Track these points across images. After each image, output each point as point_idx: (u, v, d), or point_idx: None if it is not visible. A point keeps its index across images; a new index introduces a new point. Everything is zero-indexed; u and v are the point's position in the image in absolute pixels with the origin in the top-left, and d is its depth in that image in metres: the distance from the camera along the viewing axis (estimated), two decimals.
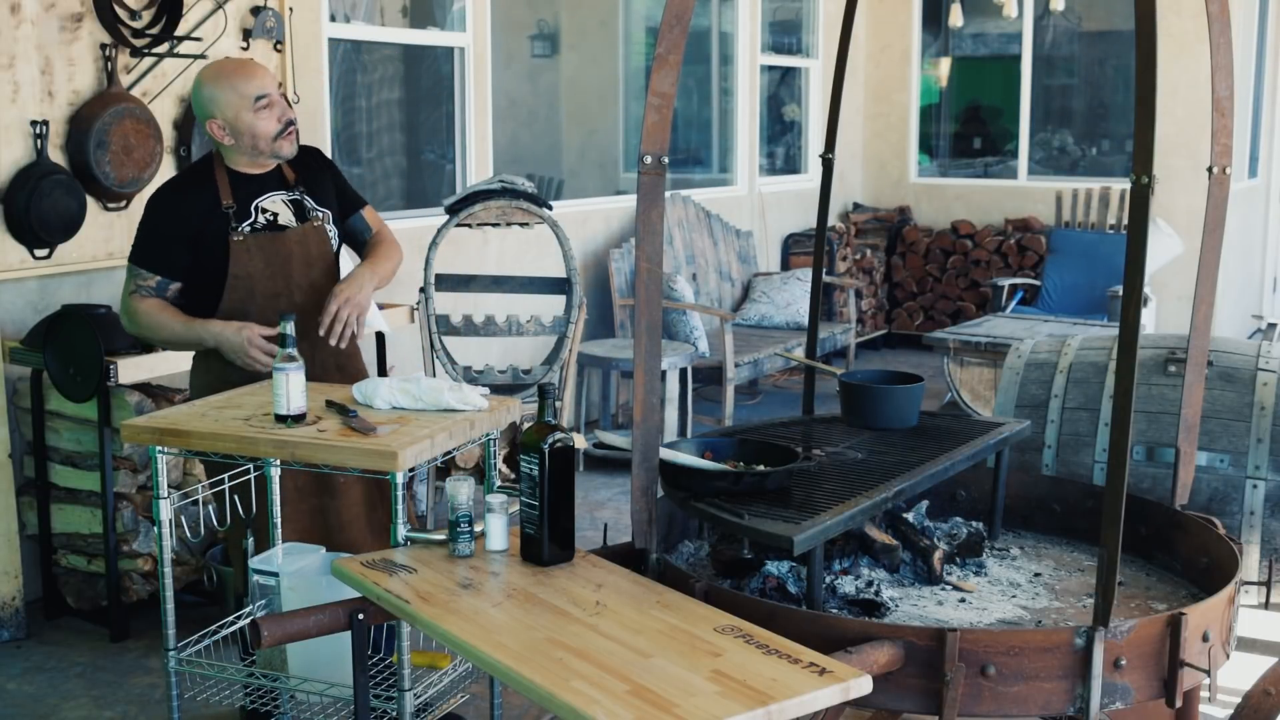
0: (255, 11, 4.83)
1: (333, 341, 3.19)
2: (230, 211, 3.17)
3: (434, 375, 4.60)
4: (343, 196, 3.41)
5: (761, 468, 2.64)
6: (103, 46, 4.33)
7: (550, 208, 5.14)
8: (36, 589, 4.28)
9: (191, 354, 3.33)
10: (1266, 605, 2.90)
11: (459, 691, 2.92)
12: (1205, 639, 2.40)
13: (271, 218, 3.23)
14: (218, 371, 3.19)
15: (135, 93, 4.44)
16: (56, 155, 4.25)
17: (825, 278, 7.46)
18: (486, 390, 2.90)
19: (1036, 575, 2.85)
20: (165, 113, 4.57)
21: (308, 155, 3.37)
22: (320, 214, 3.30)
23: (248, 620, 2.72)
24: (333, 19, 5.46)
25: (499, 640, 2.05)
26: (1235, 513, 3.45)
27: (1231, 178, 3.00)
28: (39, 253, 4.22)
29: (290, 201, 3.27)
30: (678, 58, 2.38)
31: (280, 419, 2.71)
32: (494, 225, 5.15)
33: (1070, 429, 3.70)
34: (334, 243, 3.34)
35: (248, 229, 3.18)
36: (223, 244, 3.15)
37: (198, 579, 4.19)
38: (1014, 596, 2.72)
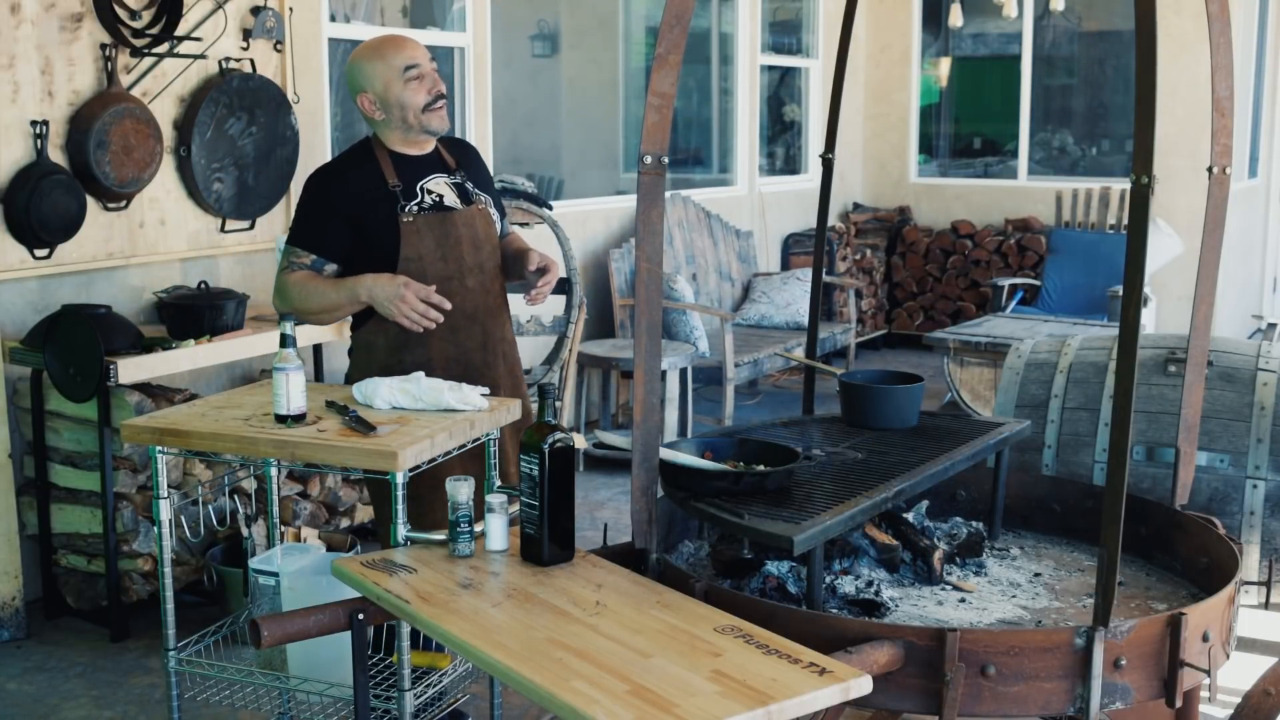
0: (255, 11, 4.83)
1: (539, 302, 3.19)
2: (397, 191, 3.07)
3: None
4: (494, 198, 3.32)
5: (761, 468, 2.64)
6: (103, 46, 4.33)
7: (550, 208, 5.14)
8: (36, 589, 4.28)
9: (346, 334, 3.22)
10: (1266, 605, 2.91)
11: (459, 691, 2.92)
12: (1205, 639, 2.40)
13: (438, 199, 3.12)
14: (381, 361, 3.10)
15: (135, 93, 4.44)
16: (56, 155, 4.25)
17: (825, 278, 7.46)
18: (486, 390, 2.90)
19: (1036, 575, 2.85)
20: (165, 113, 4.57)
21: (465, 147, 3.30)
22: (483, 198, 3.21)
23: (247, 620, 2.72)
24: (333, 19, 5.46)
25: (499, 640, 2.05)
26: (1235, 513, 3.45)
27: (1231, 178, 3.00)
28: (39, 253, 4.22)
29: (453, 185, 3.18)
30: (678, 58, 2.38)
31: (280, 419, 2.71)
32: None
33: (1070, 429, 3.70)
34: (497, 228, 3.25)
35: (416, 209, 3.08)
36: (391, 225, 3.04)
37: (198, 579, 4.19)
38: (1014, 596, 2.72)
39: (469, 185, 3.20)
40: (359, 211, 3.05)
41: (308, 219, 3.10)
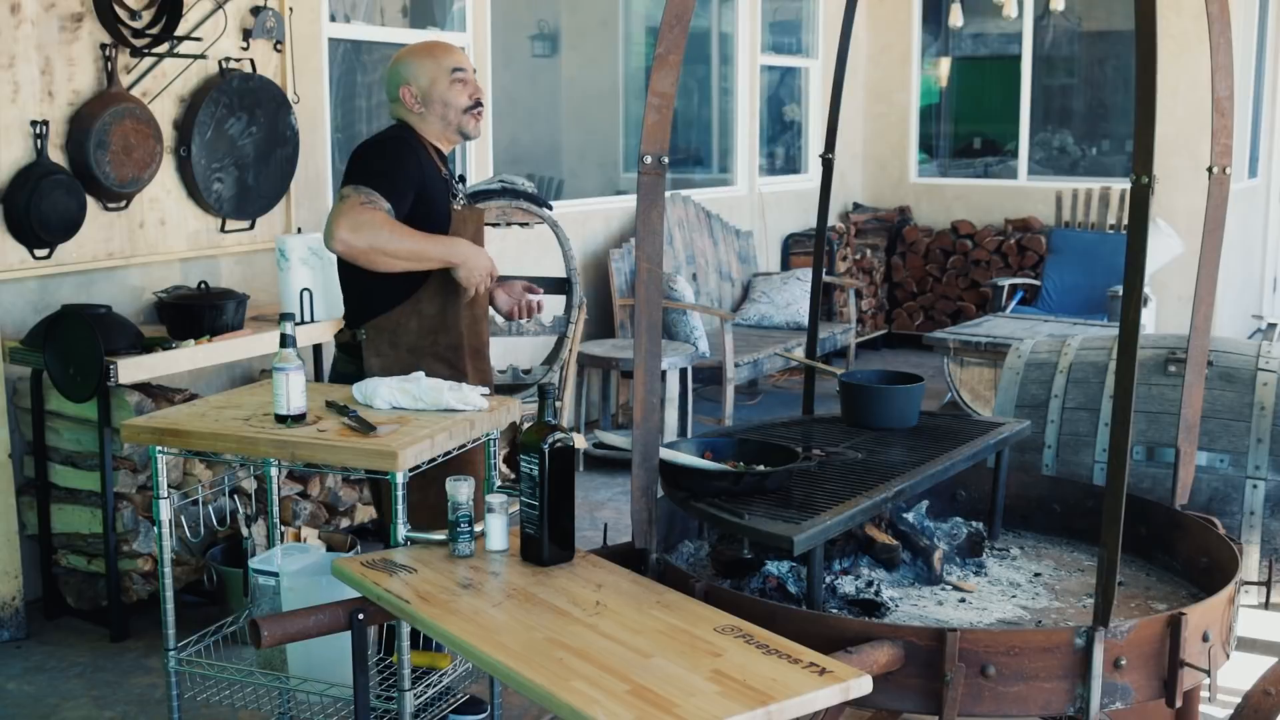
0: (255, 11, 4.83)
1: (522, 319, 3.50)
2: (448, 179, 3.27)
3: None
4: None
5: (761, 468, 2.64)
6: (103, 46, 4.33)
7: (550, 208, 5.14)
8: (36, 589, 4.28)
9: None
10: (1266, 605, 2.91)
11: (459, 691, 2.92)
12: (1205, 639, 2.40)
13: (461, 191, 3.33)
14: (410, 343, 3.21)
15: (135, 93, 4.44)
16: (56, 155, 4.25)
17: (825, 278, 7.46)
18: (486, 390, 2.90)
19: (1036, 575, 2.85)
20: (165, 113, 4.57)
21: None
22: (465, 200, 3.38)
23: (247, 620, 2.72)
24: (333, 19, 5.46)
25: (499, 640, 2.05)
26: (1235, 513, 3.45)
27: (1231, 178, 3.00)
28: (39, 253, 4.22)
29: (454, 182, 3.36)
30: (678, 58, 2.38)
31: (280, 419, 2.71)
32: (494, 225, 5.15)
33: (1070, 429, 3.70)
34: None
35: (462, 200, 3.30)
36: (444, 210, 3.20)
37: (198, 579, 4.19)
38: (1014, 596, 2.72)
39: (461, 186, 3.40)
40: (420, 185, 3.15)
41: (388, 174, 3.10)
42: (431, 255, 3.12)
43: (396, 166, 3.12)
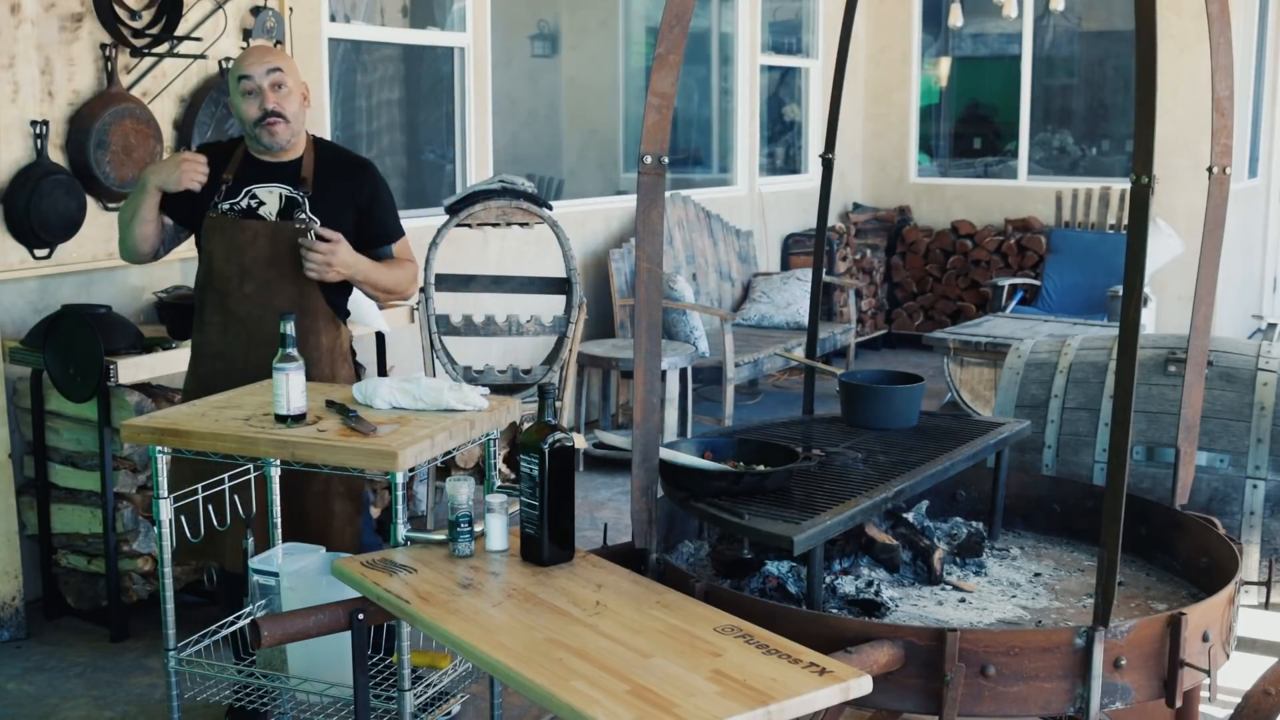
0: (255, 11, 4.83)
1: (309, 269, 3.21)
2: (224, 187, 3.27)
3: (434, 375, 4.60)
4: (370, 223, 3.37)
5: (761, 468, 2.64)
6: (103, 46, 4.33)
7: (550, 208, 5.14)
8: (36, 589, 4.28)
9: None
10: (1266, 605, 2.90)
11: (459, 691, 2.92)
12: (1205, 639, 2.40)
13: (256, 205, 3.28)
14: (203, 376, 3.30)
15: (135, 93, 4.44)
16: (56, 155, 4.25)
17: (825, 278, 7.46)
18: (486, 390, 2.90)
19: (1036, 575, 2.85)
20: (165, 113, 4.57)
21: (349, 168, 3.38)
22: (306, 221, 3.25)
23: (247, 620, 2.72)
24: (333, 19, 5.46)
25: (499, 640, 2.05)
26: (1235, 513, 3.44)
27: (1231, 178, 2.99)
28: (39, 253, 4.22)
29: (285, 197, 3.29)
30: (678, 58, 2.38)
31: (280, 419, 2.71)
32: (494, 225, 5.15)
33: (1070, 429, 3.70)
34: (290, 246, 3.28)
35: (226, 207, 3.27)
36: (201, 215, 3.29)
37: (198, 579, 4.19)
38: (1014, 596, 2.72)
39: (302, 204, 3.27)
40: (199, 187, 3.25)
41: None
42: (143, 203, 3.24)
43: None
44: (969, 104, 10.00)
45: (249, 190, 3.28)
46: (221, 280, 3.28)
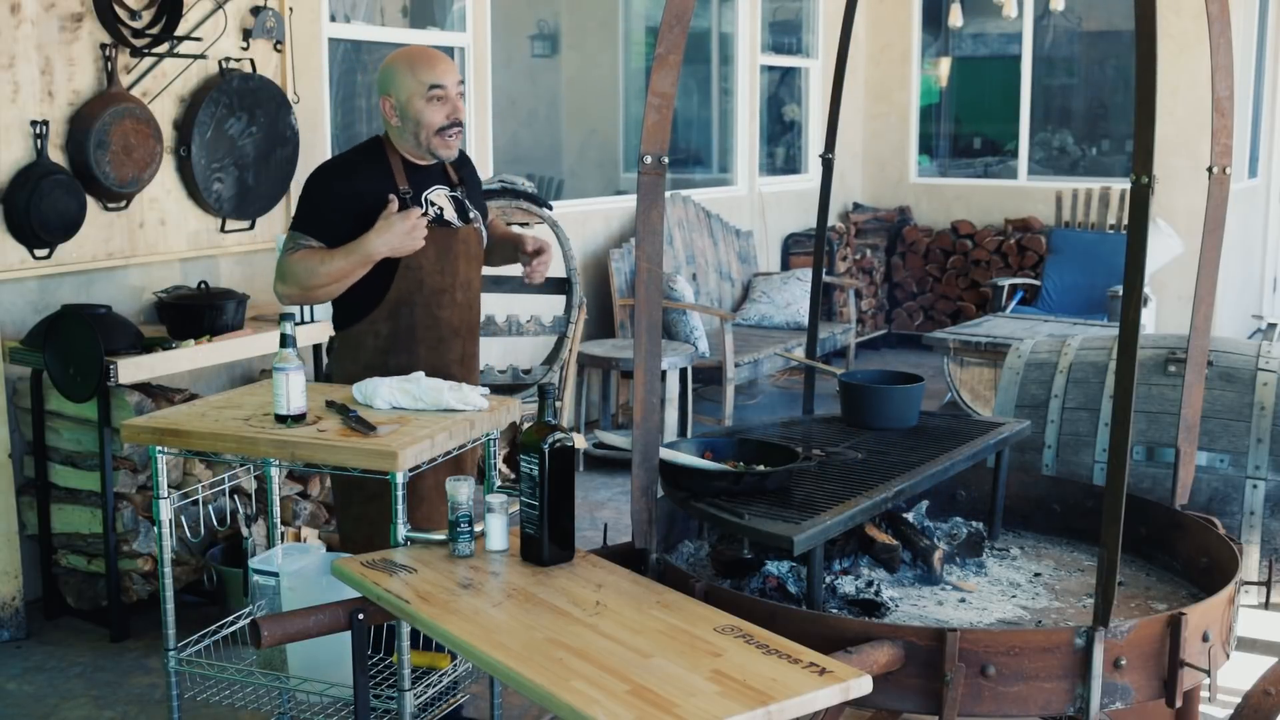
0: (255, 11, 4.83)
1: (535, 279, 3.30)
2: (408, 197, 3.11)
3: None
4: (484, 204, 3.41)
5: (761, 468, 2.64)
6: (103, 46, 4.33)
7: (550, 208, 5.14)
8: (36, 589, 4.28)
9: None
10: (1266, 605, 2.91)
11: (459, 691, 2.92)
12: (1205, 639, 2.40)
13: (439, 211, 3.18)
14: (366, 361, 3.14)
15: (135, 93, 4.44)
16: (56, 155, 4.25)
17: (825, 278, 7.46)
18: (486, 390, 2.90)
19: (1036, 575, 2.85)
20: (165, 113, 4.57)
21: (464, 160, 3.34)
22: (476, 216, 3.27)
23: (247, 620, 2.72)
24: (333, 19, 5.46)
25: (499, 640, 2.05)
26: (1235, 513, 3.45)
27: (1231, 178, 2.99)
28: (39, 253, 4.22)
29: (452, 199, 3.23)
30: (678, 58, 2.38)
31: (280, 419, 2.71)
32: None
33: (1070, 429, 3.70)
34: (484, 245, 3.34)
35: (431, 214, 3.14)
36: None
37: (198, 579, 4.19)
38: (1014, 596, 2.72)
39: (467, 202, 3.27)
40: (366, 208, 3.06)
41: (315, 210, 3.11)
42: (350, 267, 3.04)
43: (320, 200, 3.10)
44: (969, 104, 9.99)
45: (426, 198, 3.17)
46: (434, 293, 3.15)
